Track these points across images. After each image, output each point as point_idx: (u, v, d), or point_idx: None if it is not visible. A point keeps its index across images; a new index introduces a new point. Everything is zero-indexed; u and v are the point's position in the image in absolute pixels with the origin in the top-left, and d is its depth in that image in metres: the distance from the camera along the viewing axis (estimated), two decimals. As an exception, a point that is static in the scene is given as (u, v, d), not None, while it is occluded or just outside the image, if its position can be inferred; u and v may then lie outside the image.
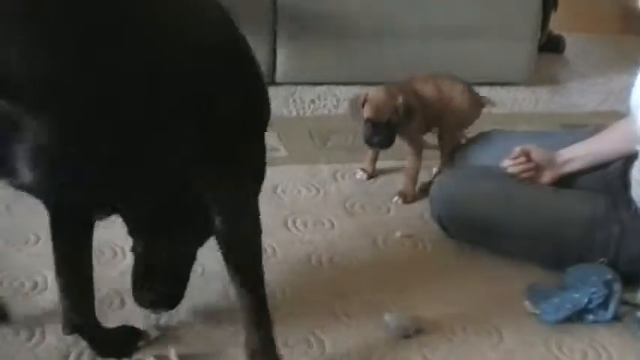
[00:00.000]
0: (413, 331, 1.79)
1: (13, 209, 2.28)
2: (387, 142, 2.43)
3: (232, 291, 1.90)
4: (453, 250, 2.18)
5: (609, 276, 1.90)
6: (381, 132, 2.40)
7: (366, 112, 2.41)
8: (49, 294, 1.87)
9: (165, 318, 1.80)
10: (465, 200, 2.14)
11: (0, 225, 2.19)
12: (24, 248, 2.08)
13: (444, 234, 2.21)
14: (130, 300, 1.85)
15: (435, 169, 2.61)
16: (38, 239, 2.10)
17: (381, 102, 2.40)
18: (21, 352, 1.68)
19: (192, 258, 1.78)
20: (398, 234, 2.26)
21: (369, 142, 2.46)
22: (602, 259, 1.97)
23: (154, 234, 1.71)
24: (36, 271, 1.97)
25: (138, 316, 1.81)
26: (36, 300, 1.87)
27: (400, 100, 2.39)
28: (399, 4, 3.59)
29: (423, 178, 2.55)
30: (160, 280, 1.74)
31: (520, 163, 2.17)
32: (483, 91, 3.64)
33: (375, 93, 2.44)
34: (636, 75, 1.93)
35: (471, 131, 2.69)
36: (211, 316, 1.83)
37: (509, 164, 2.18)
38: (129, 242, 2.11)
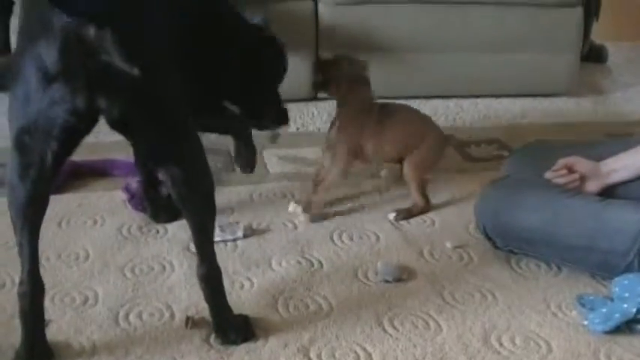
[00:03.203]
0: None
1: (64, 226, 2.32)
2: None
3: (281, 305, 1.94)
4: (499, 261, 2.18)
5: (658, 285, 1.88)
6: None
7: None
8: (100, 308, 1.91)
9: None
10: (510, 211, 2.13)
11: (51, 241, 2.23)
12: (75, 264, 2.12)
13: (490, 245, 2.20)
14: (179, 314, 1.88)
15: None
16: (88, 255, 2.14)
17: None
18: (74, 366, 1.71)
19: None
20: (448, 245, 2.27)
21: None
22: (650, 269, 1.96)
23: None
24: (86, 286, 2.00)
25: (187, 331, 1.83)
26: (87, 314, 1.90)
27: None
28: (442, 18, 3.61)
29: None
30: None
31: (563, 175, 2.17)
32: (527, 103, 3.68)
33: None
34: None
35: (516, 143, 2.68)
36: (260, 327, 1.85)
37: (551, 176, 2.18)
38: (177, 256, 2.16)
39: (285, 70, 2.40)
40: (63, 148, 1.54)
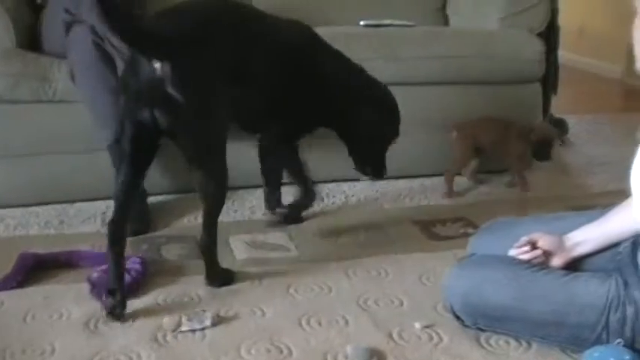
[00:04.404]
0: None
1: (29, 320, 2.29)
2: None
3: None
4: (469, 340, 2.17)
5: (627, 357, 1.90)
6: None
7: None
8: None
9: None
10: (478, 290, 2.13)
11: (16, 336, 2.20)
12: (40, 359, 2.08)
13: (459, 324, 2.20)
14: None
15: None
16: (54, 350, 2.11)
17: None
18: None
19: None
20: (417, 325, 2.25)
21: None
22: (618, 340, 1.96)
23: None
24: (53, 383, 1.97)
25: None
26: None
27: None
28: (403, 99, 3.63)
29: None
30: None
31: (526, 252, 2.18)
32: (492, 178, 3.71)
33: None
34: (635, 154, 1.94)
35: (482, 220, 2.71)
36: None
37: (515, 253, 2.19)
38: (145, 348, 2.13)
39: (397, 131, 2.95)
40: (139, 146, 2.34)
